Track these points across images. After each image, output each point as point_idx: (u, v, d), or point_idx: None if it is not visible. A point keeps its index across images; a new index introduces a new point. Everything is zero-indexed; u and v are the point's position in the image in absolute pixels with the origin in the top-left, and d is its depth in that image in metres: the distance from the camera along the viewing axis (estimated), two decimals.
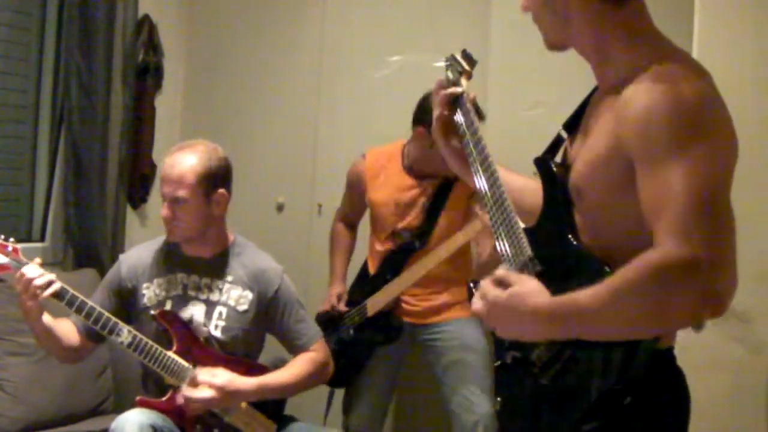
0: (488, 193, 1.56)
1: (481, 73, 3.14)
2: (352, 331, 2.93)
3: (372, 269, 2.97)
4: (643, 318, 1.23)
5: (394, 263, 2.89)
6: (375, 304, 2.89)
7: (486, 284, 1.36)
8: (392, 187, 2.93)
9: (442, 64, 1.81)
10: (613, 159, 1.35)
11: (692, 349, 2.41)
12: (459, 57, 1.78)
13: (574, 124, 1.55)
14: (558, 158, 1.57)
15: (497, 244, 1.51)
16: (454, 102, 1.70)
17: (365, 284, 2.98)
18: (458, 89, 1.71)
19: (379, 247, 2.95)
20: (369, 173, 2.98)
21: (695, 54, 2.39)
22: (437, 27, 3.34)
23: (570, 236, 1.45)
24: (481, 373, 2.81)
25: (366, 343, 2.93)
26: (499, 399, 1.57)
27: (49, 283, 2.23)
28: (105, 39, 3.22)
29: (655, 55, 1.35)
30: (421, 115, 2.73)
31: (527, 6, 1.50)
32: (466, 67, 1.75)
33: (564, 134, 1.57)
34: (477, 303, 1.37)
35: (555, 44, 1.50)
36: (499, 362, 1.57)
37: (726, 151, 1.30)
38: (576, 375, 1.38)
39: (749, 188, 2.38)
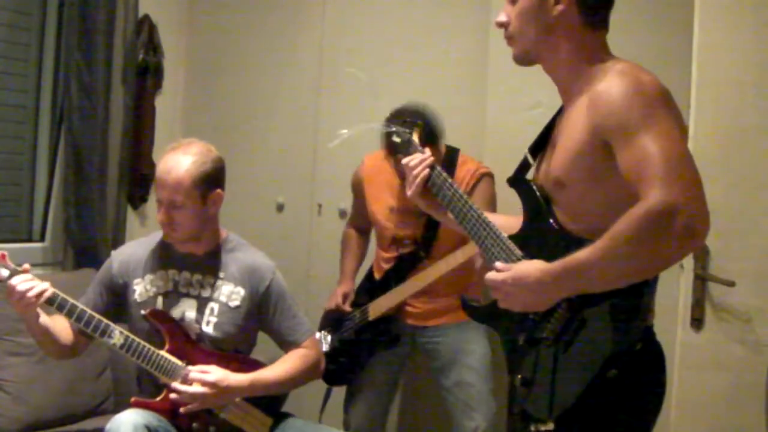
0: (468, 216, 1.78)
1: (482, 73, 3.17)
2: (352, 332, 2.94)
3: (377, 275, 2.97)
4: (638, 260, 1.45)
5: (398, 271, 2.89)
6: (377, 308, 2.90)
7: (494, 270, 1.62)
8: (387, 191, 2.92)
9: (379, 128, 1.95)
10: (590, 146, 1.56)
11: (692, 349, 2.41)
12: (399, 124, 1.95)
13: (539, 147, 1.77)
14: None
15: (488, 255, 1.72)
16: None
17: (370, 288, 2.98)
18: (428, 157, 1.87)
19: (384, 254, 2.95)
20: (366, 179, 2.98)
21: (695, 54, 2.39)
22: (437, 27, 3.34)
23: (556, 225, 1.66)
24: (480, 379, 2.83)
25: (365, 345, 2.93)
26: (519, 376, 1.70)
27: (42, 292, 2.22)
28: (105, 39, 3.22)
29: (612, 62, 1.62)
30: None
31: (505, 22, 1.68)
32: (413, 127, 1.93)
33: (530, 158, 1.78)
34: (494, 291, 1.61)
35: (526, 58, 1.69)
36: (511, 346, 1.75)
37: (681, 123, 1.55)
38: (590, 335, 1.57)
39: (749, 188, 2.38)
